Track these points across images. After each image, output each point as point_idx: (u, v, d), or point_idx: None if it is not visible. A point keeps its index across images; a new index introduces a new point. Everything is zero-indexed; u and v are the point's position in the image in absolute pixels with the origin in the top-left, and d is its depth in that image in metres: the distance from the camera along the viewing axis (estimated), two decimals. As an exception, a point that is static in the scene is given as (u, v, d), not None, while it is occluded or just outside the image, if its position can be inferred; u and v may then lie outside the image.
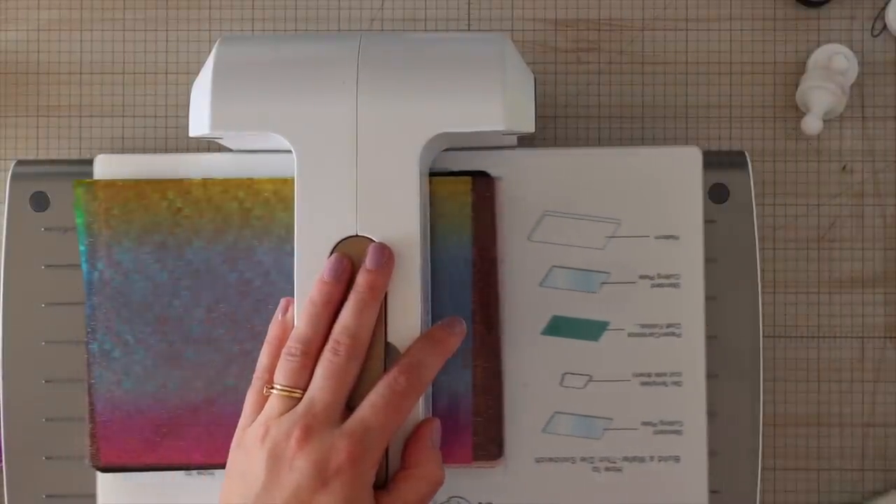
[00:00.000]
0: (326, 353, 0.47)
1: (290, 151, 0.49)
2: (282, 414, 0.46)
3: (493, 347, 0.52)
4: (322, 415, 0.46)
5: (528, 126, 0.50)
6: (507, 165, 0.53)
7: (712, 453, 0.54)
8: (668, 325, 0.53)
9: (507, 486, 0.53)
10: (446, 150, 0.53)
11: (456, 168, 0.53)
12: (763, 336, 0.55)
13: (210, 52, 0.50)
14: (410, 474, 0.47)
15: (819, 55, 0.58)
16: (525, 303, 0.53)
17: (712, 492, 0.54)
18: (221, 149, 0.54)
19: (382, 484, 0.47)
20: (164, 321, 0.53)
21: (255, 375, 0.49)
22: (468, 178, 0.53)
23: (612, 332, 0.53)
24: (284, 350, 0.47)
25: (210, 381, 0.53)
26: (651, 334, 0.53)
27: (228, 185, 0.53)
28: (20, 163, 0.56)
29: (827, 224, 0.59)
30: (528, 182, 0.53)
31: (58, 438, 0.54)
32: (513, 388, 0.53)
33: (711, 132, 0.59)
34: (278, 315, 0.49)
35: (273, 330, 0.49)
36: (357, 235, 0.48)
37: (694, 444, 0.53)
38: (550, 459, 0.53)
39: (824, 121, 0.57)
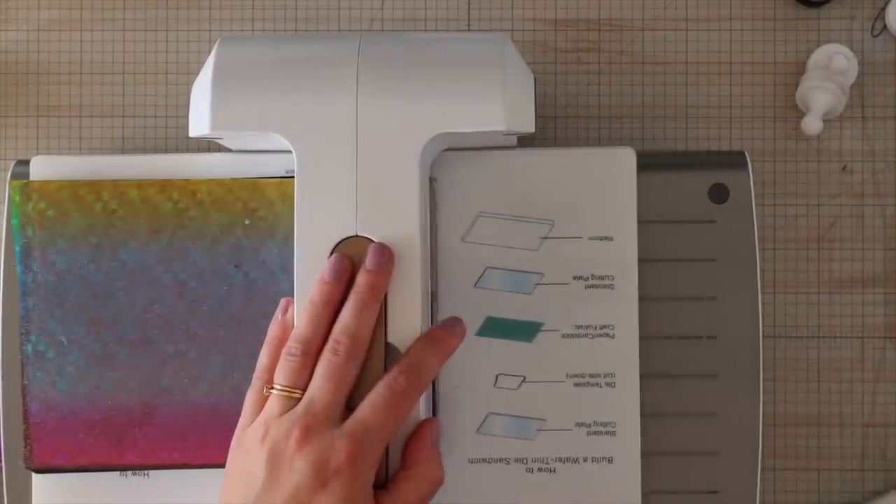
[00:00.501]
0: (326, 353, 0.47)
1: (289, 151, 0.49)
2: (281, 414, 0.46)
3: None
4: (322, 415, 0.46)
5: (529, 126, 0.49)
6: (442, 167, 0.53)
7: (712, 453, 0.54)
8: (602, 327, 0.53)
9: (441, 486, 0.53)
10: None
11: None
12: (763, 336, 0.55)
13: (210, 52, 0.50)
14: (410, 474, 0.47)
15: (819, 55, 0.58)
16: (459, 303, 0.53)
17: (712, 492, 0.54)
18: (221, 149, 0.54)
19: (382, 484, 0.47)
20: (98, 322, 0.53)
21: (254, 375, 0.49)
22: None
23: (547, 333, 0.53)
24: (284, 350, 0.47)
25: (144, 383, 0.53)
26: (585, 335, 0.53)
27: (163, 186, 0.53)
28: (20, 163, 0.56)
29: (827, 224, 0.59)
30: (462, 183, 0.53)
31: (57, 438, 0.54)
32: (447, 388, 0.53)
33: (711, 132, 0.59)
34: (278, 315, 0.49)
35: (273, 330, 0.49)
36: (357, 235, 0.48)
37: (627, 444, 0.53)
38: (484, 460, 0.53)
39: (824, 121, 0.57)
